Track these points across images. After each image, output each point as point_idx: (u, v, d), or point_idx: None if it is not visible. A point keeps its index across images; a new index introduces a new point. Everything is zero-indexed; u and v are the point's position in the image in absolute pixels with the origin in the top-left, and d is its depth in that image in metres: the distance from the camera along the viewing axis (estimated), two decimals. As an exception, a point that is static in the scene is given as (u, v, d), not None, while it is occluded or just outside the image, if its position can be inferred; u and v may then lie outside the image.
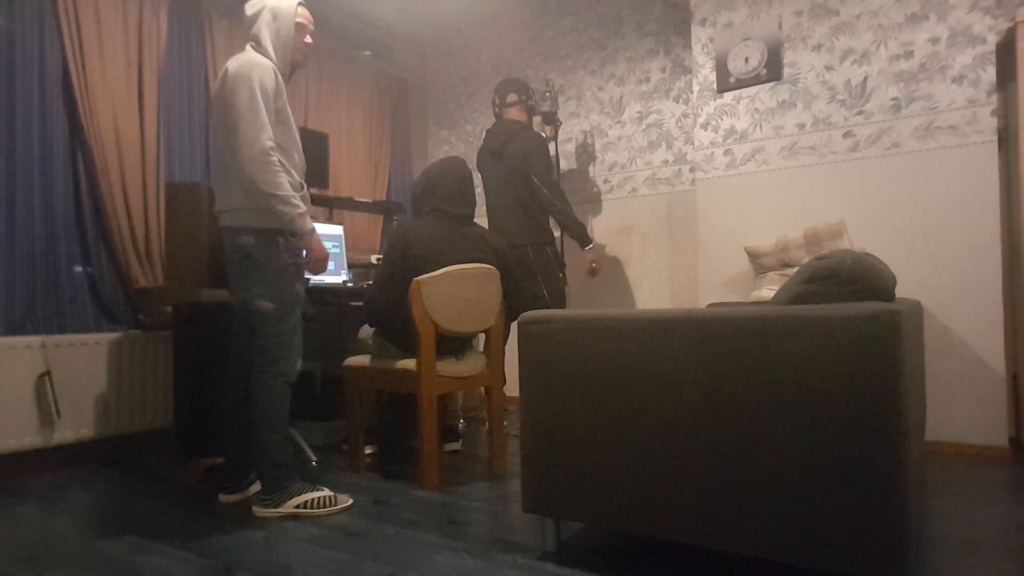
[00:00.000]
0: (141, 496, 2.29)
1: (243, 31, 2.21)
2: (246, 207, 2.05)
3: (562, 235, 3.58)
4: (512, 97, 3.33)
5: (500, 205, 3.28)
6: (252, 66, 2.03)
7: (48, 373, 2.59)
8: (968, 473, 2.34)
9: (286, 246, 2.11)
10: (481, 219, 4.16)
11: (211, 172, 2.21)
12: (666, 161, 3.65)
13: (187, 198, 2.48)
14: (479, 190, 4.21)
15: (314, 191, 3.34)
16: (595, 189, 3.88)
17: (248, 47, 2.15)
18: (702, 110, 3.22)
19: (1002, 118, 2.70)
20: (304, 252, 2.16)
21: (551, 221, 3.29)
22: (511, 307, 2.76)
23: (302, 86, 3.82)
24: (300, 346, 2.16)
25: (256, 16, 2.15)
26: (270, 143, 2.00)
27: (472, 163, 4.38)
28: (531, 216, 3.21)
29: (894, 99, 2.74)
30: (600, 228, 3.86)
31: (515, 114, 3.34)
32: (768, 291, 2.75)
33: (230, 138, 2.02)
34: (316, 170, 3.35)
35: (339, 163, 4.00)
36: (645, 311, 1.51)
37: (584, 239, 3.21)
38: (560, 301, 3.24)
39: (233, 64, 2.05)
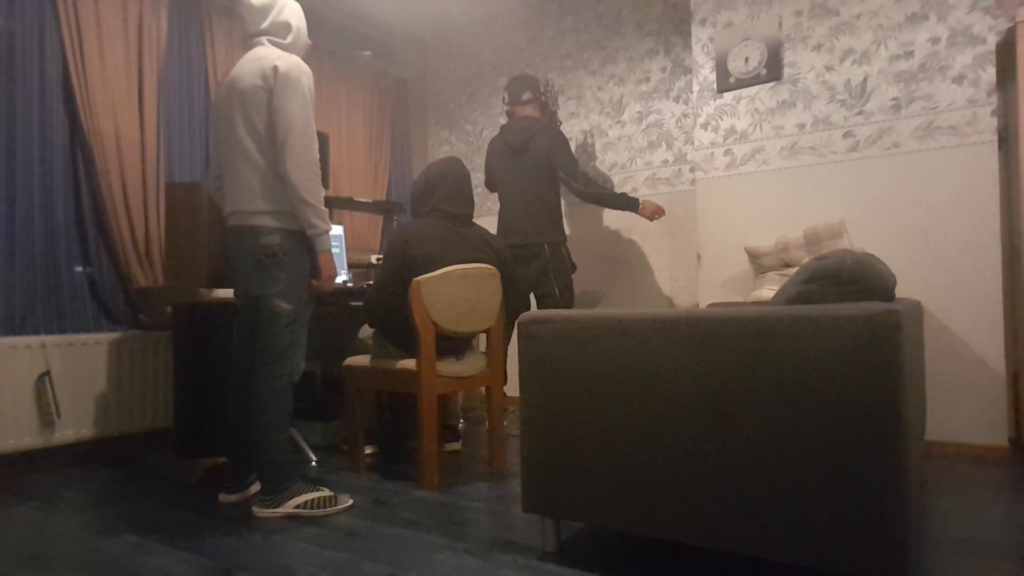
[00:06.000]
0: (141, 496, 2.29)
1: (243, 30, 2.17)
2: (273, 209, 2.04)
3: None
4: (527, 95, 3.35)
5: (518, 201, 3.26)
6: (302, 71, 2.03)
7: (48, 373, 2.59)
8: (968, 473, 2.34)
9: (310, 249, 2.13)
10: (492, 216, 4.16)
11: (223, 171, 2.13)
12: (666, 161, 3.65)
13: (187, 198, 2.48)
14: (478, 190, 4.22)
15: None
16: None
17: (266, 41, 2.09)
18: (702, 110, 3.21)
19: (1002, 118, 2.70)
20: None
21: (565, 222, 3.30)
22: (511, 307, 2.76)
23: (302, 86, 3.82)
24: (304, 347, 2.16)
25: (267, 8, 2.09)
26: (317, 155, 2.03)
27: (472, 163, 4.39)
28: (550, 214, 3.23)
29: (894, 99, 2.74)
30: (600, 228, 3.86)
31: (530, 111, 3.35)
32: (768, 291, 2.74)
33: (275, 141, 2.00)
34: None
35: (339, 163, 4.00)
36: (645, 311, 1.51)
37: (632, 203, 3.20)
38: (570, 301, 3.25)
39: (283, 64, 2.00)
